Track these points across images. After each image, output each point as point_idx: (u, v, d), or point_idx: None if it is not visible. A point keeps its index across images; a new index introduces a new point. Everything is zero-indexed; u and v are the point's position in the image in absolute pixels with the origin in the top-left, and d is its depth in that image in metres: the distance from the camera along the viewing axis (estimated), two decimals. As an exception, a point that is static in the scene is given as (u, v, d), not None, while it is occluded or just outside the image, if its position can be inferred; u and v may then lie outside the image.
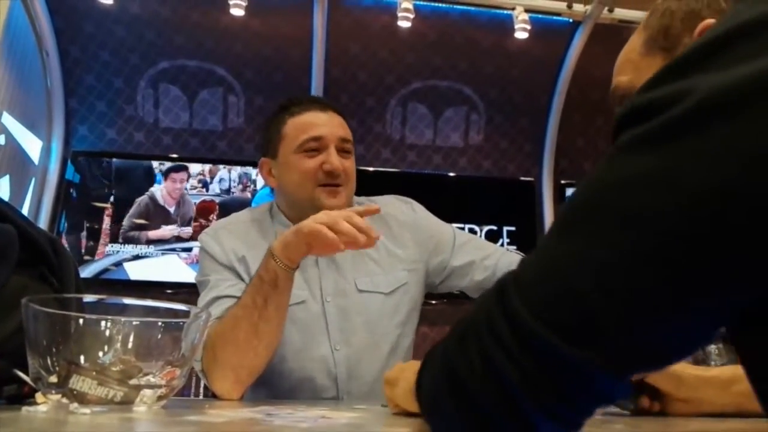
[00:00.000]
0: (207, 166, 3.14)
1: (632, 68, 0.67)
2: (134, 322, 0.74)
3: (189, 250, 3.05)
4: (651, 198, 0.31)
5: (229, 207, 3.10)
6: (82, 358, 0.68)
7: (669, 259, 0.30)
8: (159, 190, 3.08)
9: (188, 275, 3.01)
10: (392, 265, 1.13)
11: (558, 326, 0.32)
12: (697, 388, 0.73)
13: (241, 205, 3.12)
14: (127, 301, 0.76)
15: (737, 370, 0.72)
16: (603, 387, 0.34)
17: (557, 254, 0.35)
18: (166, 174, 3.10)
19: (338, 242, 0.90)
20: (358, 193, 1.19)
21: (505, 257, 1.16)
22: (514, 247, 3.31)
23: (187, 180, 3.11)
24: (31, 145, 2.87)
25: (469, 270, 1.15)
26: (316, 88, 3.14)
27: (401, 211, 1.20)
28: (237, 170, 3.16)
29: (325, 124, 1.10)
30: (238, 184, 3.17)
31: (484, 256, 1.15)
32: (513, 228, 3.36)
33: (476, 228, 3.31)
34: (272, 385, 1.07)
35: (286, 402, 0.89)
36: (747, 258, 0.30)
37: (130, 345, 0.71)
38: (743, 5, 0.34)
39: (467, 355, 0.36)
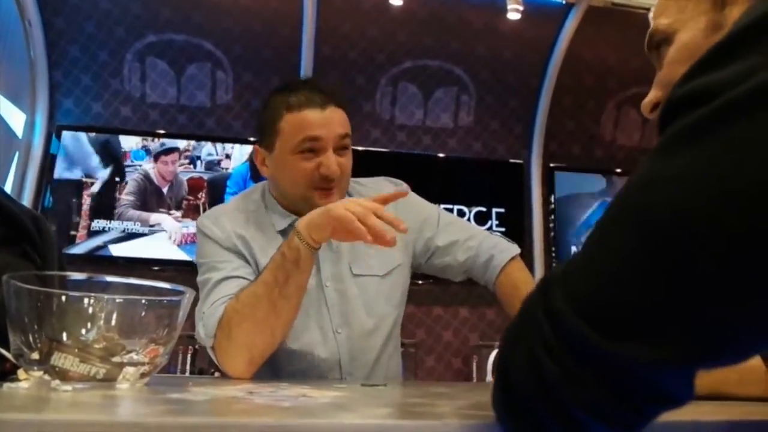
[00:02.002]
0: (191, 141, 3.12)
1: (676, 10, 0.61)
2: (117, 300, 0.74)
3: (176, 231, 3.04)
4: (695, 195, 0.30)
5: (217, 184, 3.08)
6: (64, 335, 0.68)
7: (711, 256, 0.29)
8: (152, 170, 3.05)
9: (175, 253, 3.01)
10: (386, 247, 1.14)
11: (598, 322, 0.32)
12: None
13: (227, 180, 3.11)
14: (110, 278, 0.76)
15: None
16: (655, 384, 0.32)
17: (600, 251, 0.34)
18: (156, 156, 3.06)
19: (365, 234, 0.89)
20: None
21: (488, 240, 1.18)
22: (503, 229, 3.34)
23: (179, 159, 3.08)
24: (15, 119, 2.82)
25: (452, 249, 1.17)
26: (306, 65, 3.11)
27: (391, 188, 1.22)
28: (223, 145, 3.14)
29: (324, 123, 1.06)
30: (225, 158, 3.15)
31: (467, 237, 1.17)
32: (502, 210, 3.38)
33: (465, 209, 3.32)
34: (277, 369, 1.07)
35: (272, 381, 0.89)
36: None
37: (113, 322, 0.71)
38: None
39: (515, 357, 0.36)
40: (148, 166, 3.05)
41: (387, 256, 1.14)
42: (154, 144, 3.08)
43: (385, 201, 0.97)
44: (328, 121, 1.07)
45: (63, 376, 0.64)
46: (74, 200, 2.96)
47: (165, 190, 3.05)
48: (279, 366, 1.07)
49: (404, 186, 1.25)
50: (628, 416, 0.33)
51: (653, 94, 0.64)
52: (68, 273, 0.73)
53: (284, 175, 1.09)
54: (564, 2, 3.15)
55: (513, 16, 2.97)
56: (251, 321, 0.95)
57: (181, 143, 3.10)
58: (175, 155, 3.08)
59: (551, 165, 3.47)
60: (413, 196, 1.24)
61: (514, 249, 1.18)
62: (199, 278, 1.07)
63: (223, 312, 0.97)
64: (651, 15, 0.65)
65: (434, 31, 3.25)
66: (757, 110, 0.29)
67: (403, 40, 3.26)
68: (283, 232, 1.10)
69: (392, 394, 0.74)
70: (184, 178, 3.08)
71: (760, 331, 0.32)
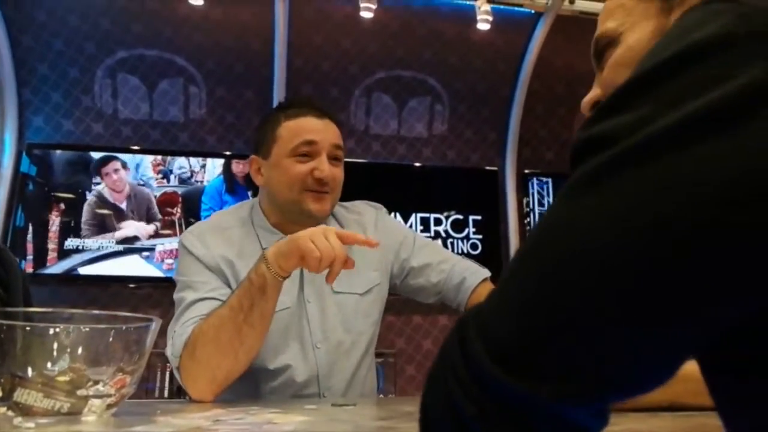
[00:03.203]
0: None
1: (623, 13, 0.61)
2: (84, 329, 0.74)
3: (152, 249, 3.00)
4: (592, 236, 0.32)
5: (192, 198, 3.06)
6: (29, 369, 0.67)
7: (607, 293, 0.31)
8: (104, 189, 3.00)
9: (151, 271, 2.97)
10: (366, 266, 1.16)
11: (504, 360, 0.33)
12: None
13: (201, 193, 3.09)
14: (75, 311, 0.76)
15: None
16: (563, 419, 0.33)
17: (505, 291, 0.36)
18: (98, 170, 3.00)
19: (317, 269, 0.94)
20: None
21: (461, 263, 1.21)
22: (480, 236, 3.37)
23: (124, 168, 3.02)
24: (-17, 138, 2.78)
25: (425, 271, 1.20)
26: (279, 78, 3.11)
27: (371, 215, 1.25)
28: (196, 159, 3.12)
29: (320, 130, 1.12)
30: (199, 170, 3.12)
31: (440, 260, 1.20)
32: (479, 217, 3.41)
33: (442, 217, 3.35)
34: (256, 387, 1.09)
35: (242, 405, 0.90)
36: (683, 291, 0.30)
37: (79, 352, 0.71)
38: (691, 19, 0.34)
39: (434, 393, 0.37)
40: (99, 187, 2.99)
41: (367, 275, 1.17)
42: (94, 158, 2.99)
43: (350, 242, 0.99)
44: (324, 128, 1.12)
45: (27, 411, 0.64)
46: (46, 219, 2.91)
47: (123, 204, 3.00)
48: (258, 383, 1.08)
49: (382, 208, 1.29)
50: None
51: (593, 93, 0.65)
52: (33, 309, 0.72)
53: (279, 179, 1.11)
54: (533, 12, 3.21)
55: (483, 26, 3.01)
56: (215, 344, 0.95)
57: (149, 158, 3.06)
58: (116, 163, 3.02)
59: (525, 171, 3.52)
60: (390, 219, 1.28)
61: (485, 272, 1.21)
62: (176, 295, 1.08)
63: (190, 333, 0.98)
64: (600, 17, 0.65)
65: (406, 42, 3.28)
66: (645, 160, 0.31)
67: (376, 51, 3.29)
68: None
69: (360, 414, 0.75)
70: (156, 193, 3.05)
71: (657, 368, 0.33)
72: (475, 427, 0.34)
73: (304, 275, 1.13)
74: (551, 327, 0.32)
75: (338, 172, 1.13)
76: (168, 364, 2.66)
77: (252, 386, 1.08)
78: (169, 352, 1.01)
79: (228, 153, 3.17)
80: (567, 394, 0.32)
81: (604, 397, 0.34)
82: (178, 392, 2.63)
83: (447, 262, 1.20)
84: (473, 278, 1.18)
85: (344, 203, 1.27)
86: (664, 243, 0.30)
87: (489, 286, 1.19)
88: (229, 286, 1.08)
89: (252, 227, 1.16)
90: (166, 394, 2.70)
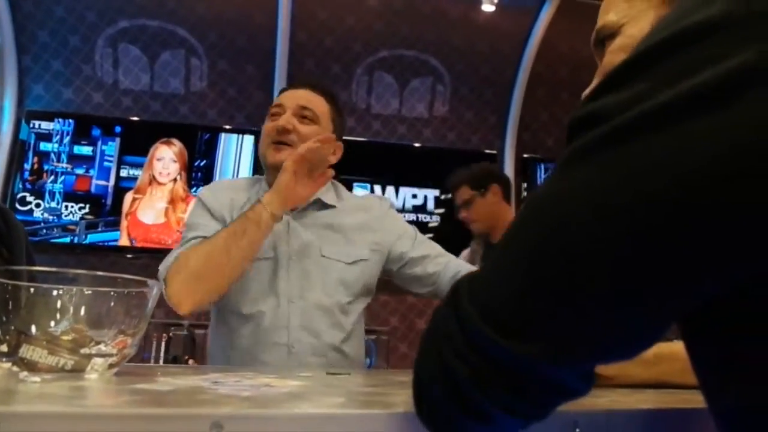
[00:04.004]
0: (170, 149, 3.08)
1: (625, 6, 0.62)
2: (86, 291, 0.75)
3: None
4: (583, 206, 0.33)
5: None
6: (33, 327, 0.69)
7: (592, 263, 0.33)
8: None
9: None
10: (359, 242, 1.25)
11: (497, 323, 0.35)
12: (623, 367, 0.78)
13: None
14: (78, 271, 0.77)
15: (660, 350, 0.78)
16: (551, 379, 0.35)
17: (500, 258, 0.38)
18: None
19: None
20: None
21: (454, 261, 1.31)
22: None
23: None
24: (-18, 104, 2.77)
25: (423, 261, 1.28)
26: (282, 52, 3.10)
27: (379, 204, 1.36)
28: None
29: (290, 97, 1.26)
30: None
31: (437, 254, 1.30)
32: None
33: (439, 194, 3.36)
34: (229, 328, 1.19)
35: (237, 369, 0.92)
36: (669, 261, 0.32)
37: (81, 314, 0.72)
38: (690, 1, 0.35)
39: (428, 356, 0.39)
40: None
41: (357, 249, 1.24)
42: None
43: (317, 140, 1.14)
44: (294, 95, 1.26)
45: (32, 367, 0.66)
46: (46, 186, 2.92)
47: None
48: (231, 326, 1.18)
49: (389, 201, 1.40)
50: (531, 408, 0.37)
51: (595, 83, 0.66)
52: (37, 268, 0.74)
53: (260, 139, 1.27)
54: (538, -6, 3.19)
55: (488, 8, 3.00)
56: (206, 257, 1.07)
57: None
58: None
59: (525, 155, 3.53)
60: (396, 214, 1.38)
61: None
62: (183, 234, 1.21)
63: (183, 251, 1.10)
64: (601, 9, 0.65)
65: (410, 21, 3.26)
66: (635, 136, 0.32)
67: (380, 29, 3.27)
68: None
69: (353, 382, 0.77)
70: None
71: (640, 333, 0.35)
72: (468, 387, 0.36)
73: (290, 231, 1.22)
74: (540, 291, 0.34)
75: (303, 129, 1.23)
76: (164, 334, 2.70)
77: (226, 329, 1.19)
78: (161, 268, 1.11)
79: (228, 127, 3.17)
80: (554, 354, 0.34)
81: (589, 359, 0.36)
82: (173, 362, 2.66)
83: (444, 257, 1.29)
84: (467, 272, 1.22)
85: (358, 194, 1.42)
86: (653, 214, 0.31)
87: None
88: None
89: (259, 187, 1.29)
90: (161, 362, 2.74)
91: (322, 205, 1.25)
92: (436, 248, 1.31)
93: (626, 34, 0.62)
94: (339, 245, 1.23)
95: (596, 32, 0.65)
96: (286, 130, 1.20)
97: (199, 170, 3.10)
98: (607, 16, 0.64)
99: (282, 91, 1.33)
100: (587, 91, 0.67)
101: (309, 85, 1.29)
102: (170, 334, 2.72)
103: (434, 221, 3.36)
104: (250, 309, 1.16)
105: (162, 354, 2.76)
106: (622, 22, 0.62)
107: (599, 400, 0.58)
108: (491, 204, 1.99)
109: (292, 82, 1.35)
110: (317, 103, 1.26)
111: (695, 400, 0.63)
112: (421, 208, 3.34)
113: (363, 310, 1.27)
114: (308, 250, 1.21)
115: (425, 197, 3.35)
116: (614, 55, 0.63)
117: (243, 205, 1.22)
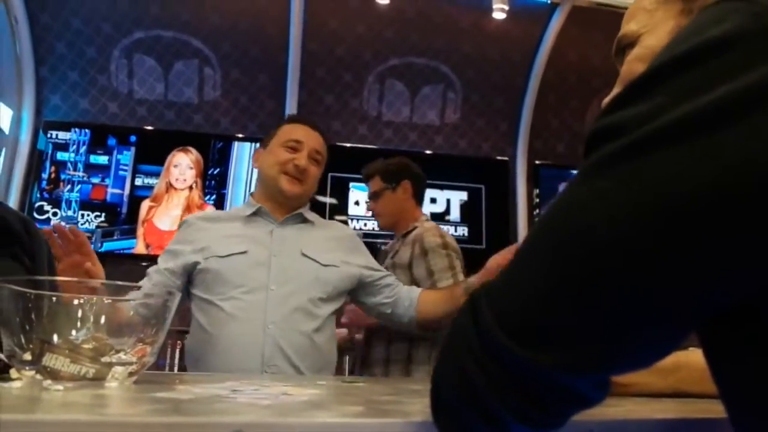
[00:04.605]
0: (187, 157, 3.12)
1: (645, 17, 0.63)
2: (106, 301, 0.77)
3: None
4: (601, 217, 0.34)
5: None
6: (55, 336, 0.70)
7: (609, 273, 0.33)
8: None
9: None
10: (335, 252, 1.45)
11: (514, 332, 0.35)
12: (639, 375, 0.78)
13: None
14: (99, 281, 0.79)
15: (678, 358, 0.77)
16: (567, 388, 0.36)
17: (517, 268, 0.38)
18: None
19: None
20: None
21: (405, 287, 1.52)
22: (489, 226, 3.39)
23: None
24: (1, 115, 2.82)
25: (383, 288, 1.49)
26: (294, 62, 3.13)
27: (345, 230, 1.63)
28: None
29: (307, 135, 1.49)
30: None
31: (394, 284, 1.51)
32: (488, 207, 3.42)
33: (452, 197, 3.36)
34: (207, 312, 1.33)
35: (254, 380, 0.93)
36: (686, 275, 0.32)
37: (102, 323, 0.74)
38: (707, 16, 0.35)
39: (447, 363, 0.40)
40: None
41: (331, 255, 1.44)
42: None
43: None
44: (310, 135, 1.49)
45: (54, 375, 0.67)
46: (61, 194, 2.96)
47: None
48: (212, 314, 1.33)
49: (355, 232, 1.64)
50: (546, 416, 0.37)
51: (615, 92, 0.67)
52: (59, 278, 0.75)
53: (269, 161, 1.46)
54: (549, 2, 3.19)
55: (498, 15, 3.00)
56: None
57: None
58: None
59: (536, 162, 3.52)
60: (361, 243, 1.57)
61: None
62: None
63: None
64: (624, 19, 0.67)
65: (421, 29, 3.27)
66: (653, 149, 0.33)
67: (390, 37, 3.28)
68: (247, 218, 1.44)
69: (369, 390, 0.78)
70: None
71: (654, 345, 0.36)
72: (486, 395, 0.36)
73: (274, 237, 1.41)
74: (556, 301, 0.35)
75: (314, 170, 1.47)
76: (178, 341, 2.72)
77: (211, 311, 1.32)
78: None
79: (240, 135, 3.20)
80: (570, 364, 0.35)
81: (604, 369, 0.36)
82: (186, 370, 2.68)
83: (399, 286, 1.51)
84: (417, 290, 1.50)
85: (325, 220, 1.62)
86: (671, 226, 0.32)
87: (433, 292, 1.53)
88: (194, 263, 1.36)
89: (243, 208, 1.50)
90: (176, 370, 2.76)
91: (303, 219, 1.47)
92: (393, 278, 1.52)
93: (644, 44, 0.63)
94: (317, 250, 1.42)
95: (617, 41, 0.66)
96: (305, 171, 1.44)
97: (212, 178, 3.13)
98: (628, 26, 0.65)
99: (295, 120, 1.55)
100: (607, 99, 0.68)
101: (317, 129, 1.52)
102: (184, 341, 2.74)
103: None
104: (234, 293, 1.32)
105: (176, 361, 2.78)
106: (641, 31, 0.63)
107: (615, 409, 0.58)
108: (400, 200, 1.97)
109: (304, 117, 1.61)
110: (323, 149, 1.51)
111: (713, 410, 0.63)
112: (439, 217, 3.34)
113: (334, 312, 1.42)
114: (289, 249, 1.40)
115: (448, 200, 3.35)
116: (632, 64, 0.64)
117: (217, 235, 1.38)
